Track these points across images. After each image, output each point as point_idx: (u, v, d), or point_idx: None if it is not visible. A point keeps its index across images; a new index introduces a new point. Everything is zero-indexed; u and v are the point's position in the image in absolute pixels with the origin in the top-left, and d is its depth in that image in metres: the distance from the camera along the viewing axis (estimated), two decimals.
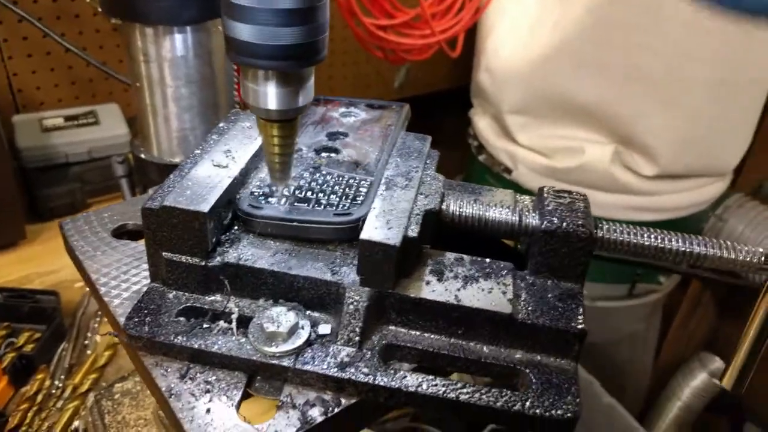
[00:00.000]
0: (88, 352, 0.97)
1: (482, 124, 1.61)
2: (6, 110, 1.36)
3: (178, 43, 0.65)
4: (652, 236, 0.51)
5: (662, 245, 0.51)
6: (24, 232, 1.20)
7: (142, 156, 0.72)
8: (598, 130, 1.36)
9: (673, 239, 0.51)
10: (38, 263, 1.17)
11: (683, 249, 0.50)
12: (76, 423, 0.85)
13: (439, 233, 0.53)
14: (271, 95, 0.43)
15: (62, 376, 0.92)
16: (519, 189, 1.48)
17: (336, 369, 0.45)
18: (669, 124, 1.28)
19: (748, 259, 0.49)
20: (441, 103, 2.12)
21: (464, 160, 1.78)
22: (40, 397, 0.88)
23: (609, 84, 1.27)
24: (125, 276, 0.53)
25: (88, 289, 0.56)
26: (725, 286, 1.83)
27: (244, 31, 0.39)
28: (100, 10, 0.64)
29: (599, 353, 1.71)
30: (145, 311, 0.48)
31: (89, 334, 1.01)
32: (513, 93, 1.42)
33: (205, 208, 0.46)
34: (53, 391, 0.90)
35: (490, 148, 1.58)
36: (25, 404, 0.86)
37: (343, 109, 0.65)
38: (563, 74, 1.31)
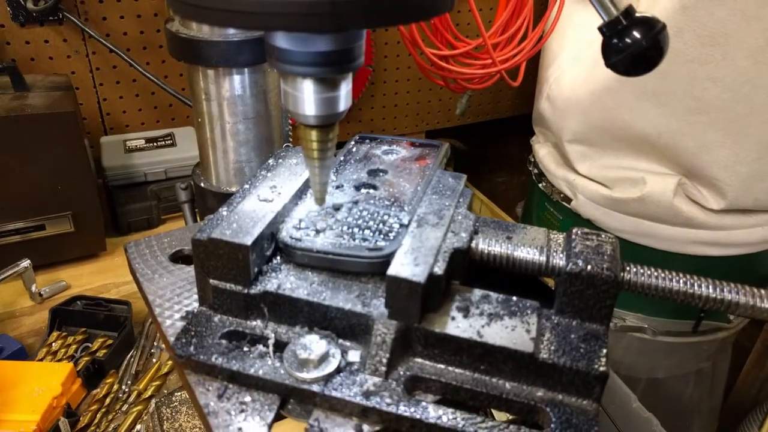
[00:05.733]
0: (154, 360, 1.04)
1: (543, 152, 1.60)
2: (96, 132, 1.50)
3: (236, 83, 0.71)
4: (681, 280, 0.51)
5: (691, 290, 0.51)
6: (105, 245, 1.30)
7: (202, 185, 0.78)
8: (660, 161, 1.34)
9: (703, 285, 0.51)
10: (115, 274, 1.26)
11: (714, 296, 0.50)
12: (138, 426, 0.91)
13: (471, 269, 0.55)
14: (309, 101, 0.44)
15: (129, 382, 1.00)
16: (578, 218, 1.48)
17: (361, 397, 0.47)
18: (737, 156, 1.24)
19: None
20: (505, 129, 2.12)
21: (526, 187, 1.78)
22: (108, 400, 0.96)
23: (672, 115, 1.25)
24: (178, 298, 0.58)
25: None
26: None
27: (282, 39, 0.40)
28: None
29: (662, 390, 1.65)
30: (192, 333, 0.52)
31: (155, 343, 1.08)
32: (574, 122, 1.42)
33: (248, 241, 0.51)
34: (120, 395, 0.97)
35: (549, 176, 1.57)
36: (95, 405, 0.94)
37: (385, 147, 0.68)
38: (625, 105, 1.29)
